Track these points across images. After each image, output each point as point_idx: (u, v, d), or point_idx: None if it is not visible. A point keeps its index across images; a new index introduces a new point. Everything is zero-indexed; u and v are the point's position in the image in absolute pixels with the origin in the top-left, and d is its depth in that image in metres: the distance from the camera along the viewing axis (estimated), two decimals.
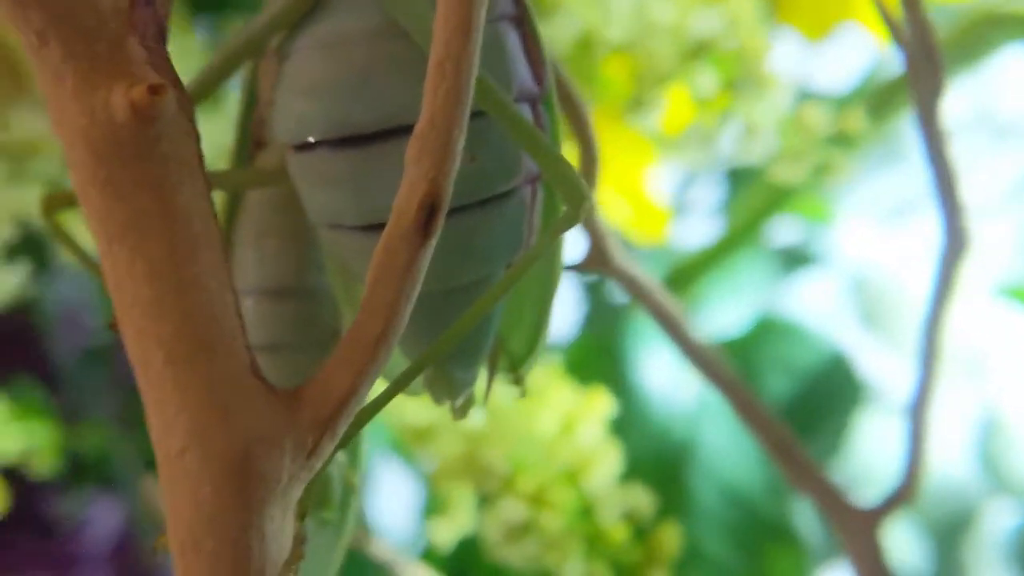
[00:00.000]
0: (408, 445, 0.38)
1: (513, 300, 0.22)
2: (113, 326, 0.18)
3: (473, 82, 0.18)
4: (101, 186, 0.17)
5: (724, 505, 0.43)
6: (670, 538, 0.34)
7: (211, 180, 0.24)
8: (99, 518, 0.63)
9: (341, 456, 0.23)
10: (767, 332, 0.47)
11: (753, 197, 0.47)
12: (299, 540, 0.19)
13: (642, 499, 0.34)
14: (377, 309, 0.18)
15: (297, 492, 0.18)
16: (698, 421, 0.45)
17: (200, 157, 0.18)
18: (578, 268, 0.28)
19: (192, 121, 0.18)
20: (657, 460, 0.43)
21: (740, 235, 0.47)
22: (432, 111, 0.18)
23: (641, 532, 0.34)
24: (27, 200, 0.33)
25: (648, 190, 0.50)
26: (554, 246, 0.22)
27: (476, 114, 0.20)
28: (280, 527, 0.18)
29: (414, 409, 0.38)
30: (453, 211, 0.20)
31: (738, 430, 0.41)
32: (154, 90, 0.17)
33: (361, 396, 0.18)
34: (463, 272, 0.21)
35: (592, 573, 0.33)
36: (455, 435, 0.36)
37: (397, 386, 0.19)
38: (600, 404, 0.37)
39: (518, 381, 0.22)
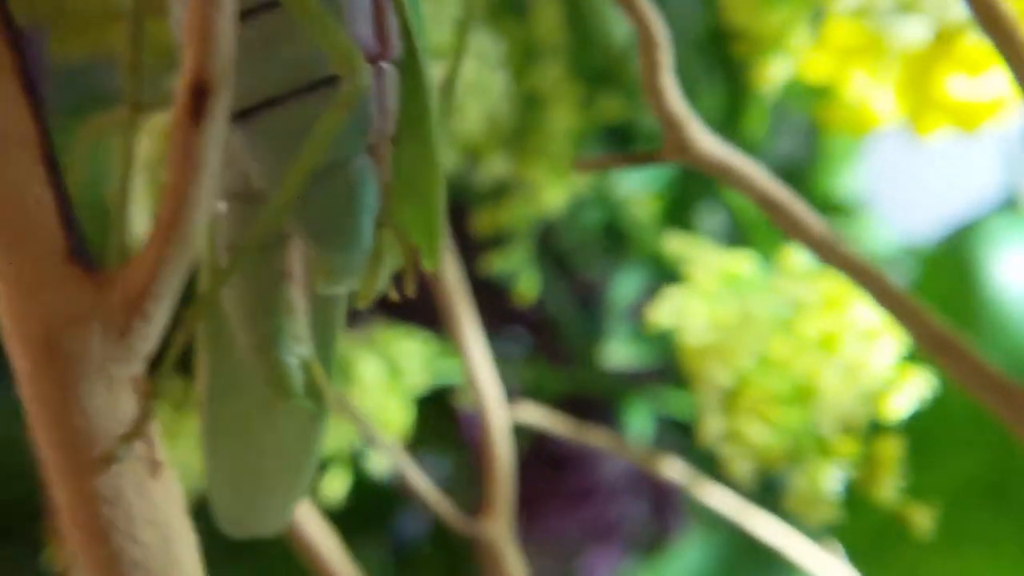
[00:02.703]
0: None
1: (400, 189, 0.22)
2: None
3: None
4: None
5: None
6: (890, 449, 0.31)
7: None
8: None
9: (302, 347, 0.23)
10: None
11: None
12: (142, 416, 0.20)
13: (858, 412, 0.31)
14: (169, 195, 0.19)
15: (123, 370, 0.20)
16: None
17: (16, 62, 0.20)
18: (654, 158, 0.26)
19: (8, 30, 0.20)
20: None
21: None
22: None
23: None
24: None
25: None
26: (424, 123, 0.22)
27: None
28: (108, 402, 0.20)
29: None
30: (285, 98, 0.21)
31: None
32: None
33: (166, 278, 0.19)
34: None
35: (817, 486, 0.31)
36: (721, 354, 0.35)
37: (234, 263, 0.20)
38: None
39: (432, 269, 0.22)
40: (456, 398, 0.50)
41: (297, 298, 0.23)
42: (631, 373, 0.57)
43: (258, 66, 0.21)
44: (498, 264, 0.45)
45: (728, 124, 0.51)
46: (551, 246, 0.56)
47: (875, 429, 0.32)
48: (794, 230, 0.26)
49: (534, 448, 0.62)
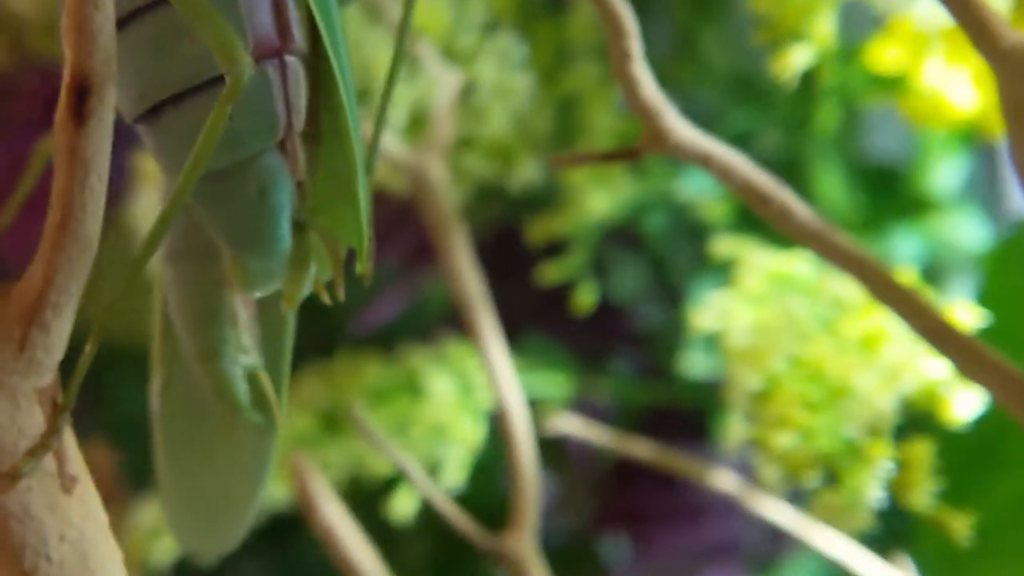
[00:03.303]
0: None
1: (321, 189, 0.21)
2: None
3: None
4: None
5: None
6: (922, 453, 0.29)
7: None
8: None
9: (248, 357, 0.23)
10: None
11: None
12: (51, 430, 0.19)
13: (892, 416, 0.29)
14: (57, 200, 0.19)
15: (27, 383, 0.19)
16: None
17: None
18: (633, 153, 0.25)
19: None
20: None
21: None
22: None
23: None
24: None
25: None
26: (342, 127, 0.21)
27: None
28: (12, 417, 0.19)
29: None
30: (186, 95, 0.20)
31: None
32: None
33: (62, 286, 0.19)
34: (215, 158, 0.20)
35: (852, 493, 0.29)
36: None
37: (136, 269, 0.19)
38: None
39: (363, 273, 0.21)
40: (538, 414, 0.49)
41: (240, 307, 0.22)
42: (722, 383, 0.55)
43: (158, 63, 0.20)
44: (555, 274, 0.44)
45: (803, 121, 0.49)
46: (650, 256, 0.55)
47: (909, 433, 0.30)
48: (782, 221, 0.24)
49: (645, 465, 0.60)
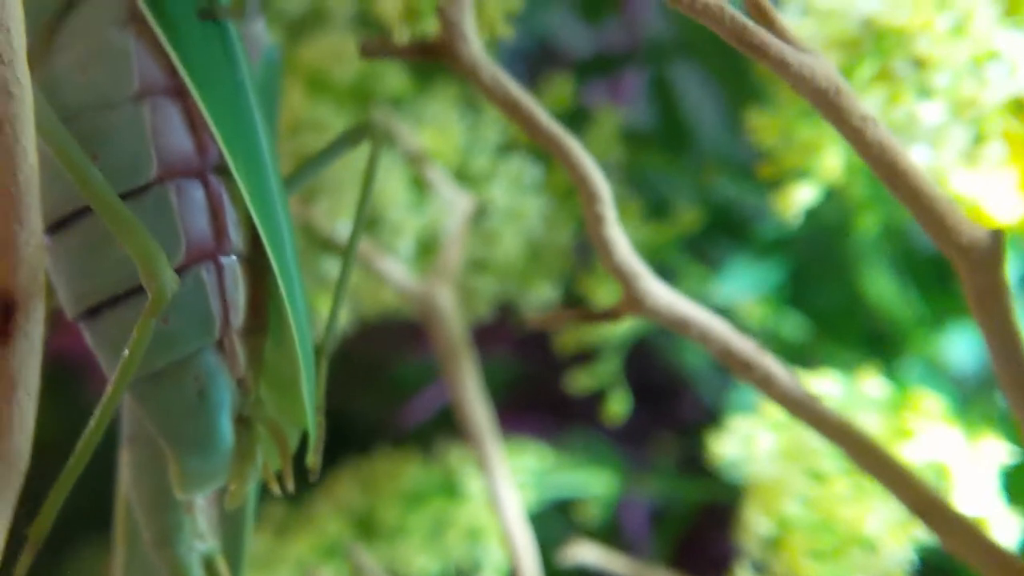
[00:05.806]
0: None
1: (272, 383, 0.21)
2: None
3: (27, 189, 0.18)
4: None
5: None
6: None
7: None
8: None
9: (204, 543, 0.22)
10: None
11: None
12: None
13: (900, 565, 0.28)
14: None
15: None
16: None
17: None
18: (611, 315, 0.24)
19: None
20: None
21: None
22: None
23: None
24: None
25: None
26: (278, 314, 0.20)
27: None
28: None
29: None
30: (119, 300, 0.20)
31: None
32: None
33: None
34: (151, 359, 0.20)
35: None
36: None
37: (66, 479, 0.19)
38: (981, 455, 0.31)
39: (310, 466, 0.21)
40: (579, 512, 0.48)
41: None
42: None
43: (92, 267, 0.20)
44: (585, 382, 0.43)
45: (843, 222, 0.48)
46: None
47: None
48: (765, 388, 0.24)
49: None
